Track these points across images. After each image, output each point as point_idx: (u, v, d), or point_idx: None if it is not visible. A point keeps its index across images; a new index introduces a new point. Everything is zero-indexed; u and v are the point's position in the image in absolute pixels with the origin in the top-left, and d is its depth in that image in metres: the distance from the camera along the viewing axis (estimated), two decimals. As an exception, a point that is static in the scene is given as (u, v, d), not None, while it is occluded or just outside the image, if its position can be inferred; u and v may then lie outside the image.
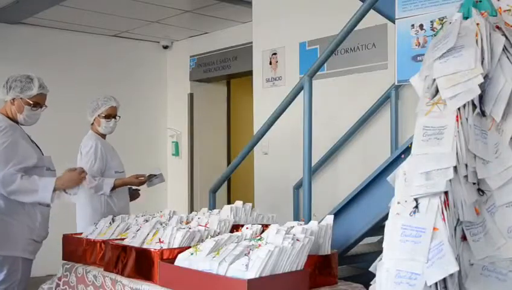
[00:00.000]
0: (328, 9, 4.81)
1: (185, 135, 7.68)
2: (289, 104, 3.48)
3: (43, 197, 3.24)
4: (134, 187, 4.31)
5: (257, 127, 5.09)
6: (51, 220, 3.68)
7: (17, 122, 3.37)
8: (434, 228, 1.70)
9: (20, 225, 3.27)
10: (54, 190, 3.27)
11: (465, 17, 2.01)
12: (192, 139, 7.60)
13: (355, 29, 3.22)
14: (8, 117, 3.34)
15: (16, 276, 3.28)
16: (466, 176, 1.79)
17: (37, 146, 3.46)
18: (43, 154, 3.44)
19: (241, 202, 3.19)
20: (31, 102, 3.31)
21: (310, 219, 2.99)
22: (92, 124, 4.18)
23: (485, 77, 1.87)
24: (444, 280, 1.66)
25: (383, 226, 1.89)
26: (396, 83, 3.13)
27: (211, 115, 7.67)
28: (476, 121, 1.86)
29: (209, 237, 2.63)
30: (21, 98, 3.29)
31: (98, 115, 4.11)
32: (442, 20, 2.16)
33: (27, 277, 3.40)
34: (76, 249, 3.08)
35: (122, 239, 2.86)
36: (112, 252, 2.74)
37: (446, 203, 1.73)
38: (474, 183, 1.83)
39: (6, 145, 3.21)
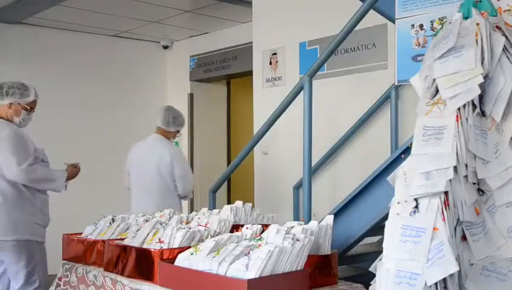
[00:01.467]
0: (328, 9, 4.80)
1: (185, 135, 7.67)
2: (289, 104, 3.48)
3: (59, 186, 3.66)
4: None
5: (257, 127, 5.09)
6: (52, 220, 3.72)
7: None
8: (434, 228, 1.70)
9: (22, 210, 3.52)
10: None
11: (465, 17, 2.01)
12: (192, 139, 7.59)
13: (355, 29, 3.21)
14: (2, 118, 3.65)
15: (35, 258, 3.54)
16: (466, 176, 1.79)
17: None
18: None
19: (241, 202, 3.19)
20: (28, 107, 3.66)
21: (310, 219, 2.99)
22: (169, 132, 4.48)
23: (485, 77, 1.87)
24: (444, 280, 1.66)
25: (383, 226, 1.89)
26: (396, 83, 3.13)
27: (211, 115, 7.66)
28: (476, 121, 1.86)
29: (209, 237, 2.62)
30: (19, 104, 3.63)
31: (178, 131, 4.52)
32: (442, 20, 2.16)
33: (45, 260, 3.65)
34: (76, 249, 3.08)
35: (122, 239, 2.86)
36: (112, 252, 2.74)
37: (446, 203, 1.73)
38: (474, 183, 1.83)
39: (17, 139, 3.52)
